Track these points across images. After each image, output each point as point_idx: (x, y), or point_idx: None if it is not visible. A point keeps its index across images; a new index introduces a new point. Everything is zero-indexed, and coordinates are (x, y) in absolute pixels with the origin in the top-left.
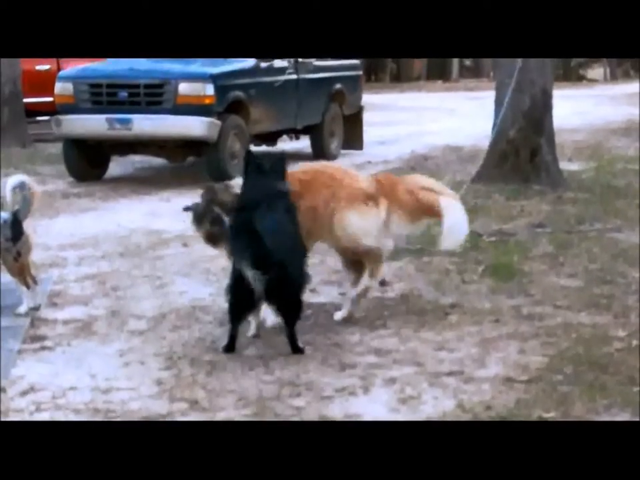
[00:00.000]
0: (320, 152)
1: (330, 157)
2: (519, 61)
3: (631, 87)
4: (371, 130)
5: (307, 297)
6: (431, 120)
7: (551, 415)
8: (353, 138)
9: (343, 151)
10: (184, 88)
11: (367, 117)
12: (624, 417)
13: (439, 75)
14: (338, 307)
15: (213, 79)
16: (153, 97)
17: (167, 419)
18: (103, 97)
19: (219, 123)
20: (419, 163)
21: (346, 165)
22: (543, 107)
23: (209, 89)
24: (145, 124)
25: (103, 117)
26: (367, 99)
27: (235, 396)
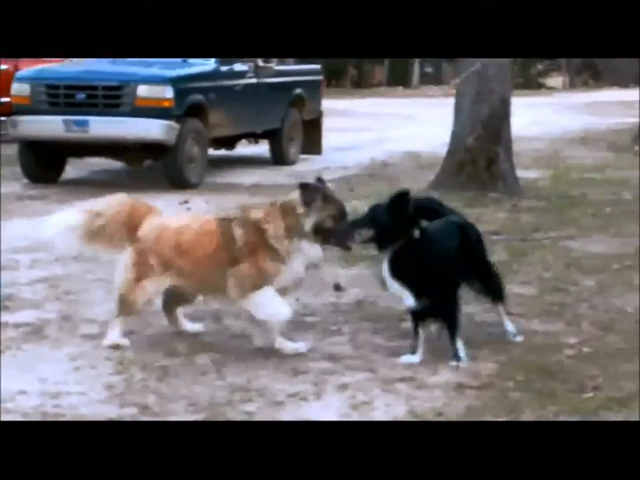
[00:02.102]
0: (279, 157)
1: (288, 161)
2: (478, 68)
3: (589, 96)
4: (330, 135)
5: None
6: (391, 126)
7: (501, 420)
8: (312, 143)
9: (301, 156)
10: (143, 91)
11: (326, 122)
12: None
13: (399, 81)
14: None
15: (172, 82)
16: (111, 100)
17: None
18: (60, 98)
19: (177, 126)
20: (378, 170)
21: (304, 170)
22: (501, 115)
23: (168, 92)
24: (103, 126)
25: (60, 118)
26: (327, 104)
27: (186, 401)
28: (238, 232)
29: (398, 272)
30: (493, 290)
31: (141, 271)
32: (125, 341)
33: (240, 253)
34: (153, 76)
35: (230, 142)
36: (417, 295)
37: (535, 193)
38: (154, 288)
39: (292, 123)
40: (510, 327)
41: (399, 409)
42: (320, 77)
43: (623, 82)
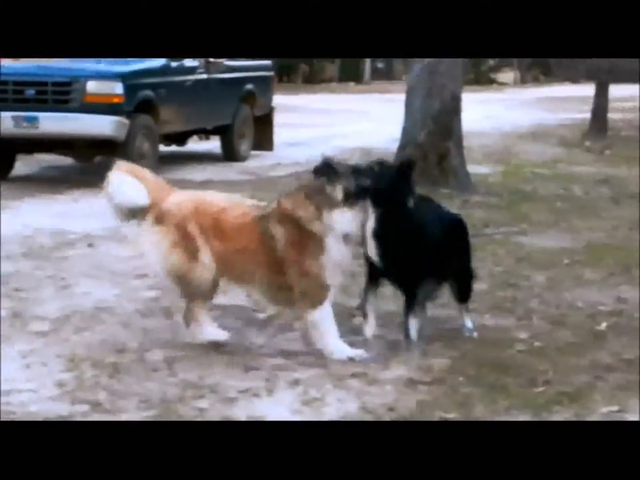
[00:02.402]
0: (230, 153)
1: (240, 158)
2: (428, 64)
3: (540, 91)
4: (282, 131)
5: (214, 298)
6: (343, 122)
7: (452, 416)
8: (264, 139)
9: (253, 152)
10: (92, 86)
11: (278, 118)
12: (524, 418)
13: (351, 77)
14: (244, 310)
15: (122, 77)
16: (61, 96)
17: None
18: (9, 94)
19: (127, 122)
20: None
21: (256, 166)
22: (452, 111)
23: (118, 88)
24: (52, 122)
25: (9, 114)
26: (279, 100)
27: (138, 398)
28: (278, 231)
29: (381, 232)
30: (463, 291)
31: (189, 246)
32: (224, 334)
33: (284, 254)
34: (103, 72)
35: (181, 138)
36: (388, 259)
37: (486, 188)
38: (209, 261)
39: (243, 118)
40: (469, 324)
41: (351, 405)
42: (271, 73)
43: (573, 77)
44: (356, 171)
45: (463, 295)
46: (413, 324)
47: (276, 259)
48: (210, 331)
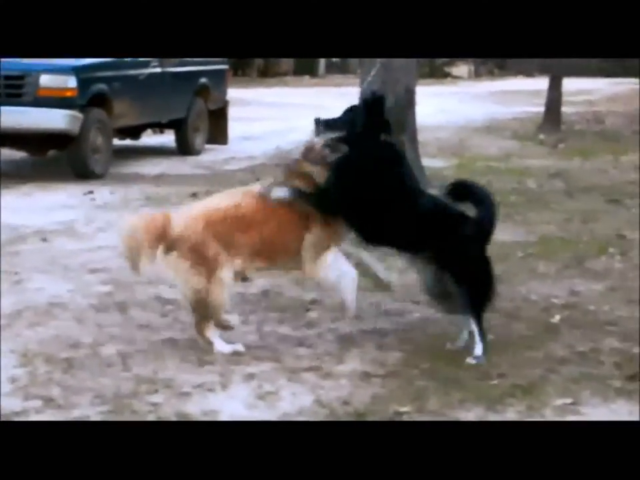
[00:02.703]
0: (184, 147)
1: (194, 151)
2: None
3: (494, 85)
4: (236, 125)
5: (168, 292)
6: (298, 116)
7: (406, 409)
8: (218, 133)
9: (207, 146)
10: (45, 80)
11: (232, 112)
12: (477, 411)
13: (305, 70)
14: None
15: (75, 71)
16: (14, 89)
17: (20, 417)
18: None
19: (80, 116)
20: (284, 159)
21: (210, 160)
22: (406, 104)
23: (71, 82)
24: (5, 116)
25: None
26: (233, 93)
27: (92, 393)
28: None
29: (343, 166)
30: (468, 297)
31: (207, 266)
32: (239, 346)
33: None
34: (56, 65)
35: (135, 132)
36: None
37: (440, 182)
38: (228, 276)
39: (197, 112)
40: (479, 350)
41: (305, 399)
42: (225, 66)
43: (527, 71)
44: (329, 123)
45: (466, 302)
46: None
47: (306, 222)
48: (223, 345)
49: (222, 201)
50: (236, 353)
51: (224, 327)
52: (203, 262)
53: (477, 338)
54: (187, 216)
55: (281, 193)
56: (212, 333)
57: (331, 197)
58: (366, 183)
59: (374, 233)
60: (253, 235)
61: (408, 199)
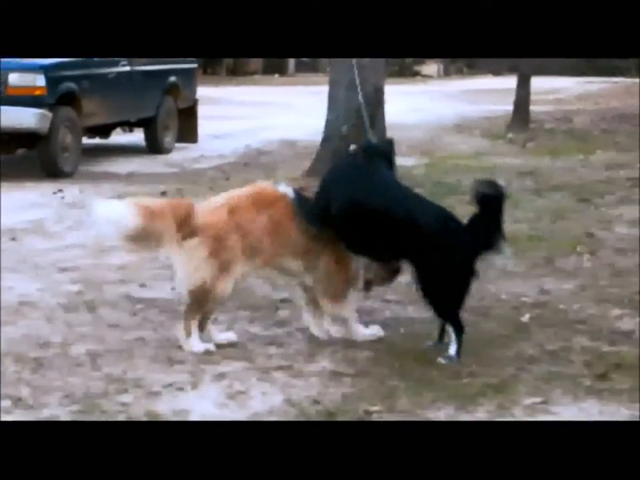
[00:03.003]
0: (154, 145)
1: (164, 150)
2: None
3: (464, 83)
4: (206, 124)
5: (138, 291)
6: (267, 115)
7: (376, 409)
8: (188, 131)
9: (177, 145)
10: (14, 79)
11: (202, 110)
12: (448, 410)
13: (275, 69)
14: (169, 302)
15: (44, 70)
16: None
17: None
18: None
19: (50, 114)
20: (253, 158)
21: (180, 159)
22: (375, 103)
23: (40, 80)
24: None
25: None
26: (203, 92)
27: (61, 393)
28: None
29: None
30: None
31: (224, 259)
32: (211, 346)
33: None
34: (25, 64)
35: (104, 130)
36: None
37: (410, 180)
38: (239, 274)
39: (167, 111)
40: (452, 350)
41: (276, 398)
42: (194, 65)
43: (496, 70)
44: None
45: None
46: None
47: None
48: (198, 343)
49: (243, 194)
50: (207, 352)
51: (203, 325)
52: (221, 252)
53: (452, 337)
54: (211, 205)
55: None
56: (194, 328)
57: (317, 208)
58: (345, 193)
59: (354, 243)
60: (266, 232)
61: (383, 210)
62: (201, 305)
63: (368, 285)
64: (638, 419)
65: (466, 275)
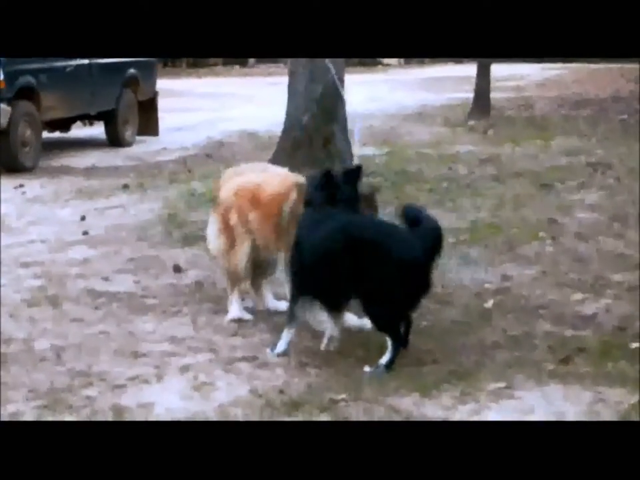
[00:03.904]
0: (114, 138)
1: (125, 143)
2: None
3: (424, 71)
4: (167, 116)
5: (101, 285)
6: (229, 106)
7: (341, 397)
8: (148, 124)
9: (138, 138)
10: None
11: (163, 103)
12: (413, 398)
13: (236, 60)
14: (132, 296)
15: (1, 64)
16: None
17: None
18: None
19: (8, 109)
20: (215, 150)
21: (141, 152)
22: (335, 93)
23: None
24: None
25: None
26: (163, 84)
27: (26, 388)
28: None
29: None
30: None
31: (229, 235)
32: (248, 316)
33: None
34: None
35: (64, 124)
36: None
37: (371, 170)
38: (245, 251)
39: (127, 103)
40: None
41: (241, 389)
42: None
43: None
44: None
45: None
46: (285, 335)
47: None
48: (236, 311)
49: (254, 177)
50: (240, 320)
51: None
52: (227, 230)
53: (389, 347)
54: (228, 183)
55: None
56: (233, 296)
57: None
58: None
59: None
60: (260, 217)
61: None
62: (227, 275)
63: None
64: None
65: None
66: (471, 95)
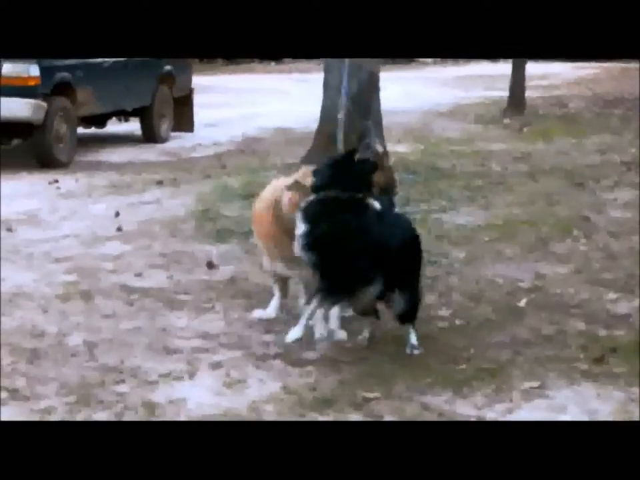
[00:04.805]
0: (150, 134)
1: (160, 139)
2: None
3: (459, 69)
4: (202, 112)
5: (133, 281)
6: (263, 102)
7: (374, 395)
8: (184, 120)
9: (173, 134)
10: (7, 69)
11: (198, 99)
12: (445, 395)
13: None
14: (164, 291)
15: (38, 59)
16: None
17: None
18: None
19: (44, 104)
20: (249, 146)
21: (176, 148)
22: (370, 89)
23: (34, 70)
24: None
25: None
26: (198, 80)
27: (57, 383)
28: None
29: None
30: (405, 313)
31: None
32: (270, 314)
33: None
34: None
35: (100, 120)
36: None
37: (405, 166)
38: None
39: (162, 100)
40: (414, 339)
41: (273, 385)
42: None
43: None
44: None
45: (408, 315)
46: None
47: None
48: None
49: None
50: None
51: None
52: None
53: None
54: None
55: None
56: (275, 295)
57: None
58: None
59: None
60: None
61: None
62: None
63: None
64: (638, 418)
65: None
66: (505, 93)
